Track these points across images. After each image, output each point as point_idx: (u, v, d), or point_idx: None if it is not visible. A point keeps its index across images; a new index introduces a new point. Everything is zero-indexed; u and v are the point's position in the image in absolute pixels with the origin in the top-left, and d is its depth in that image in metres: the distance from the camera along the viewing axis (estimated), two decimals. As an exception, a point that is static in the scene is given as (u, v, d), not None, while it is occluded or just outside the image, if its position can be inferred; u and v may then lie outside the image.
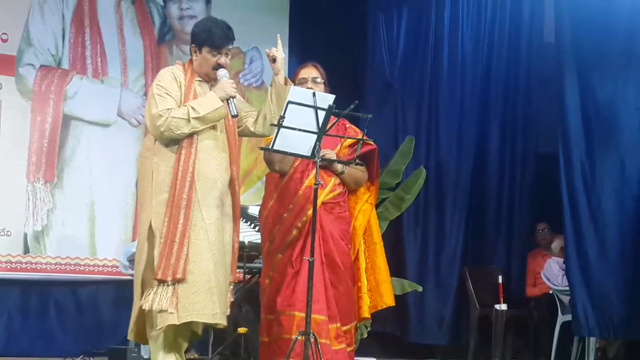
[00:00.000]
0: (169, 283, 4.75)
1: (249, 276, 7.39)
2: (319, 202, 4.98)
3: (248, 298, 7.16)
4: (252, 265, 7.46)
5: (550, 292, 8.44)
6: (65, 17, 8.51)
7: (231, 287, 5.00)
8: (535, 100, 9.30)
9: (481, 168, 9.39)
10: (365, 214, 5.27)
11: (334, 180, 5.17)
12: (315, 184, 4.80)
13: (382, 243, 5.38)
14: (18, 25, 8.30)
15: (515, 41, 9.38)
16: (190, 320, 4.78)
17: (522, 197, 9.43)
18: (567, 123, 7.86)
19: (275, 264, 5.10)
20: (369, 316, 5.26)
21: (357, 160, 5.07)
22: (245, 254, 6.92)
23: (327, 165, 5.11)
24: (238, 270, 5.25)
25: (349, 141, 5.21)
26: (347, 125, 5.30)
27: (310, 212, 4.96)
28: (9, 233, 8.11)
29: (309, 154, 4.82)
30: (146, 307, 4.74)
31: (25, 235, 8.17)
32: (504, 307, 8.78)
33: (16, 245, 8.13)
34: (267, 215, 5.21)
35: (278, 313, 4.93)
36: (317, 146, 4.80)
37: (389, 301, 5.29)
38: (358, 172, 5.24)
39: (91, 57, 8.60)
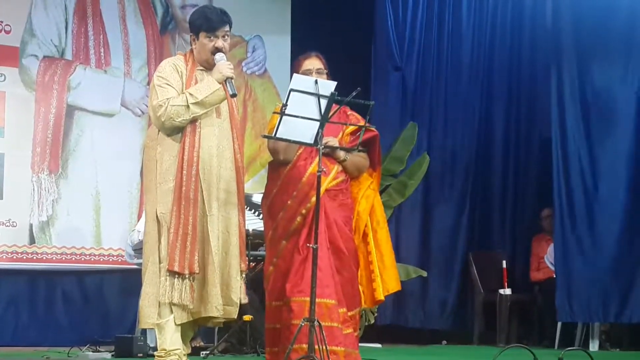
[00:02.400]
0: (186, 276, 4.79)
1: (253, 264, 7.42)
2: (322, 189, 5.01)
3: (253, 286, 7.18)
4: (257, 252, 7.48)
5: (554, 276, 8.47)
6: (67, 7, 8.52)
7: (243, 275, 5.02)
8: (539, 85, 9.31)
9: (485, 153, 9.42)
10: (368, 199, 5.28)
11: (336, 168, 5.17)
12: (318, 172, 4.82)
13: (387, 229, 5.39)
14: (21, 16, 8.32)
15: (518, 26, 9.41)
16: (204, 315, 4.82)
17: (526, 182, 9.46)
18: (564, 109, 7.91)
19: (279, 251, 5.12)
20: (383, 299, 5.26)
21: (359, 147, 5.08)
22: (249, 241, 6.94)
23: (329, 153, 5.13)
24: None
25: (351, 128, 5.21)
26: (349, 113, 5.31)
27: (314, 199, 4.98)
28: (15, 224, 8.14)
29: (312, 142, 4.84)
30: (164, 299, 4.77)
31: (31, 225, 8.20)
32: (508, 291, 8.82)
33: (22, 236, 8.17)
34: (271, 203, 5.23)
35: (288, 299, 4.93)
36: (320, 134, 4.81)
37: (392, 287, 5.31)
38: (360, 159, 5.25)
39: (94, 47, 8.62)
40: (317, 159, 4.95)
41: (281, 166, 5.18)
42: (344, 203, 5.17)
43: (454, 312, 9.24)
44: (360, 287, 5.23)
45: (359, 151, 5.14)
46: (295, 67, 5.32)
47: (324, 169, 4.89)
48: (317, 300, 4.80)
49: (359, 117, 5.30)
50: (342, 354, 4.91)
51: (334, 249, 5.06)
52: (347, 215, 5.18)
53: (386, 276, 5.25)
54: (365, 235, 5.26)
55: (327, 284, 4.95)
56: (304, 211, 5.06)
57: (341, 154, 5.15)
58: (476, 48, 9.45)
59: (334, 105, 4.87)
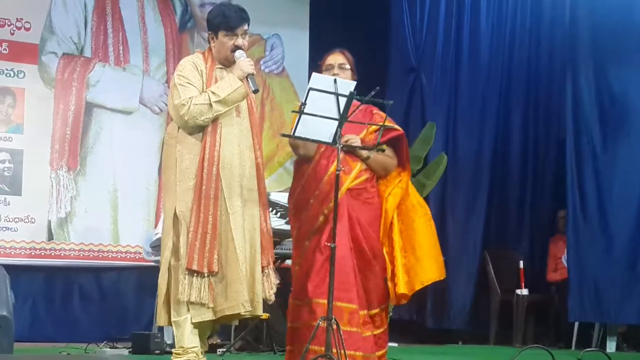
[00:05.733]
0: (205, 275, 4.80)
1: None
2: (344, 188, 5.00)
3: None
4: (274, 251, 7.47)
5: (571, 277, 8.44)
6: (87, 5, 8.56)
7: (267, 271, 5.02)
8: (557, 85, 9.28)
9: (503, 154, 9.40)
10: (395, 197, 5.22)
11: (359, 166, 5.14)
12: (337, 170, 4.81)
13: (425, 219, 5.30)
14: (41, 13, 8.37)
15: (536, 27, 9.38)
16: (229, 313, 4.84)
17: (543, 183, 9.44)
18: (579, 110, 7.90)
19: (303, 251, 5.10)
20: (406, 292, 5.21)
21: (379, 146, 5.06)
22: (267, 240, 6.94)
23: (352, 151, 5.11)
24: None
25: (375, 127, 5.19)
26: (374, 112, 5.27)
27: None
28: (33, 220, 8.19)
29: (330, 140, 4.84)
30: (183, 298, 4.78)
31: (49, 222, 8.24)
32: (525, 292, 8.80)
33: (40, 232, 8.21)
34: (295, 202, 5.22)
35: (309, 300, 4.92)
36: (338, 132, 4.81)
37: (434, 275, 5.24)
38: (385, 157, 5.21)
39: (113, 45, 8.65)
40: (339, 157, 4.96)
41: (304, 164, 5.17)
42: (368, 202, 5.13)
43: (470, 312, 9.22)
44: (390, 283, 5.20)
45: (379, 150, 5.11)
46: (320, 65, 5.30)
47: (343, 168, 4.88)
48: (338, 304, 4.81)
49: (385, 116, 5.27)
50: (359, 359, 4.91)
51: (356, 249, 5.04)
52: (373, 214, 5.14)
53: (425, 265, 5.20)
54: (390, 232, 5.23)
55: (348, 288, 4.94)
56: (326, 211, 5.04)
57: (364, 152, 5.13)
58: (494, 48, 9.42)
59: (356, 103, 4.87)
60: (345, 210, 5.01)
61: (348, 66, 5.24)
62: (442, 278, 5.34)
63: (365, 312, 5.03)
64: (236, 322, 5.27)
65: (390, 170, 5.24)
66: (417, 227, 5.24)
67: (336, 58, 5.26)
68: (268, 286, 5.02)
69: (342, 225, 4.97)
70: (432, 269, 5.23)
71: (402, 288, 5.15)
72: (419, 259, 5.19)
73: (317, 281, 4.92)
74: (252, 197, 4.95)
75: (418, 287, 5.22)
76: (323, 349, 4.71)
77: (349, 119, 4.85)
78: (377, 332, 5.10)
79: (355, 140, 5.07)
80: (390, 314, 8.05)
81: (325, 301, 4.84)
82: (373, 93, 4.89)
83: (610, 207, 7.83)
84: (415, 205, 5.28)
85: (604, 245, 7.83)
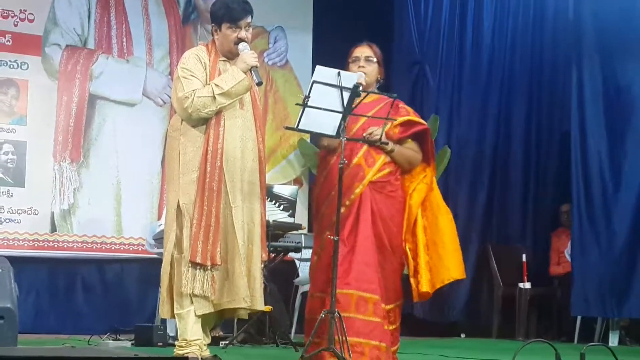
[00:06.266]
0: (208, 267, 4.81)
1: (273, 255, 7.43)
2: (366, 181, 5.02)
3: (273, 277, 7.20)
4: (277, 243, 7.49)
5: (574, 270, 8.44)
6: (91, -3, 8.56)
7: (262, 265, 5.04)
8: (560, 79, 9.27)
9: (506, 147, 9.39)
10: (420, 192, 5.20)
11: (382, 159, 5.11)
12: (340, 164, 4.81)
13: (447, 216, 5.30)
14: (44, 5, 8.36)
15: (540, 21, 9.36)
16: (230, 307, 4.84)
17: (546, 176, 9.43)
18: (584, 105, 7.88)
19: (323, 242, 5.09)
20: (429, 290, 5.20)
21: (382, 142, 5.04)
22: (270, 232, 6.95)
23: (375, 143, 5.09)
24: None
25: (400, 120, 5.18)
26: (400, 105, 5.26)
27: (357, 190, 5.00)
28: (36, 212, 8.19)
29: (334, 133, 4.84)
30: (186, 290, 4.79)
31: (52, 213, 8.25)
32: (527, 285, 8.80)
33: (43, 224, 8.22)
34: (317, 194, 5.23)
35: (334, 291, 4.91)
36: (342, 125, 4.81)
37: (455, 274, 5.23)
38: (410, 151, 5.18)
39: (116, 36, 8.64)
40: (362, 150, 4.97)
41: (328, 156, 5.16)
42: (391, 195, 5.11)
43: (473, 306, 9.22)
44: (412, 280, 5.20)
45: (382, 144, 5.09)
46: (347, 58, 5.29)
47: (345, 161, 4.88)
48: (363, 294, 4.82)
49: (410, 110, 5.26)
50: (383, 349, 4.92)
51: (378, 243, 5.03)
52: (395, 208, 5.12)
53: (447, 263, 5.18)
54: (414, 228, 5.21)
55: (371, 279, 4.94)
56: (347, 202, 5.04)
57: (388, 146, 5.12)
58: (497, 41, 9.41)
59: (383, 98, 4.89)
60: (369, 203, 5.02)
61: (375, 59, 5.24)
62: (463, 277, 5.35)
63: (384, 305, 5.03)
64: (246, 316, 5.23)
65: (415, 164, 5.22)
66: (441, 224, 5.23)
67: (363, 50, 5.27)
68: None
69: (365, 218, 4.98)
70: (454, 267, 5.23)
71: (425, 286, 5.15)
72: (441, 257, 5.18)
73: (340, 272, 4.90)
74: (253, 191, 4.95)
75: (439, 285, 5.22)
76: (352, 339, 4.73)
77: (369, 113, 4.87)
78: (391, 327, 5.10)
79: (377, 132, 5.05)
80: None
81: (349, 291, 4.86)
82: (377, 85, 4.92)
83: (614, 201, 7.83)
84: (440, 204, 5.28)
85: (608, 239, 7.82)
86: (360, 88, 4.84)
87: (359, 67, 5.17)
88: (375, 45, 5.32)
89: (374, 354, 4.85)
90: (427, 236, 5.20)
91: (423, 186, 5.23)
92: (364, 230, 4.97)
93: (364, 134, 5.06)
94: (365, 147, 5.06)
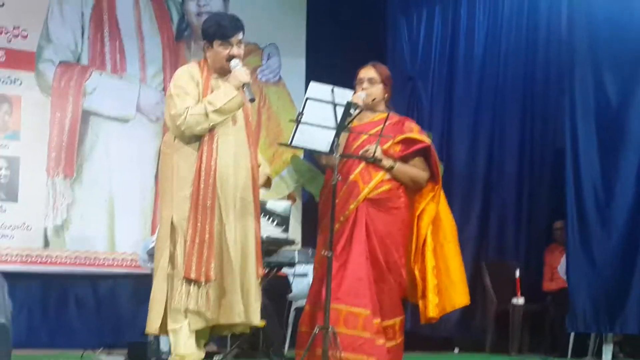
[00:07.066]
0: (202, 284, 4.81)
1: (266, 270, 7.42)
2: (361, 197, 5.05)
3: (267, 292, 7.19)
4: (270, 259, 7.49)
5: (567, 286, 8.44)
6: (84, 13, 8.57)
7: (259, 280, 5.04)
8: (553, 95, 9.29)
9: (499, 163, 9.40)
10: (429, 213, 5.19)
11: (380, 176, 5.13)
12: (333, 180, 4.84)
13: (455, 243, 5.31)
14: (38, 22, 8.38)
15: (532, 36, 9.37)
16: (225, 323, 4.84)
17: (540, 193, 9.44)
18: (576, 121, 7.91)
19: (320, 257, 5.12)
20: (436, 316, 5.19)
21: (375, 156, 5.06)
22: (264, 248, 6.95)
23: (374, 161, 5.10)
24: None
25: (400, 137, 5.19)
26: (406, 123, 5.28)
27: (352, 206, 5.02)
28: (29, 227, 8.18)
29: (328, 150, 4.85)
30: (180, 306, 4.79)
31: (45, 229, 8.24)
32: (521, 301, 8.81)
33: (36, 239, 8.21)
34: (319, 211, 5.26)
35: (323, 305, 4.93)
36: (336, 142, 4.82)
37: (462, 301, 5.24)
38: (413, 169, 5.17)
39: (110, 53, 8.65)
40: (360, 167, 4.99)
41: (330, 174, 5.17)
42: (392, 212, 5.12)
43: (467, 320, 9.21)
44: (421, 302, 5.19)
45: (373, 160, 5.10)
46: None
47: (339, 177, 4.90)
48: (352, 309, 4.84)
49: (416, 128, 5.27)
50: None
51: (372, 259, 5.05)
52: (394, 226, 5.12)
53: (452, 291, 5.19)
54: (423, 249, 5.21)
55: (363, 293, 4.95)
56: (342, 218, 5.07)
57: (385, 163, 5.12)
58: (490, 57, 9.43)
59: (392, 116, 4.92)
60: (363, 219, 5.04)
61: (379, 79, 5.25)
62: (468, 304, 5.35)
63: (379, 321, 5.03)
64: (247, 330, 5.22)
65: (419, 182, 5.20)
66: (451, 250, 5.24)
67: (367, 72, 5.28)
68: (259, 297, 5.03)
69: (359, 234, 5.00)
70: (463, 292, 5.23)
71: (432, 312, 5.15)
72: (453, 282, 5.18)
73: (332, 287, 4.92)
74: (246, 207, 4.95)
75: (449, 309, 5.22)
76: (340, 354, 4.74)
77: (372, 131, 4.89)
78: (389, 344, 5.09)
79: (378, 151, 5.07)
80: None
81: (338, 306, 4.87)
82: (370, 103, 4.94)
83: (608, 217, 7.84)
84: (450, 228, 5.28)
85: (603, 256, 7.83)
86: (357, 109, 4.87)
87: (362, 89, 5.20)
88: (380, 64, 5.34)
89: None
90: (436, 259, 5.20)
91: (433, 206, 5.22)
92: (357, 246, 4.99)
93: (360, 151, 5.09)
94: (362, 164, 5.09)
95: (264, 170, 5.17)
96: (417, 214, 5.20)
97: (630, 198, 7.75)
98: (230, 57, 4.96)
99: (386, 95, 5.29)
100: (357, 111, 4.94)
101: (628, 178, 7.77)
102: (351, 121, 4.90)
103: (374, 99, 5.24)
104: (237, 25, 5.00)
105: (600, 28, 7.85)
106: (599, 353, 8.08)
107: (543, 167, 9.44)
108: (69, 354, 7.16)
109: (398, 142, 5.17)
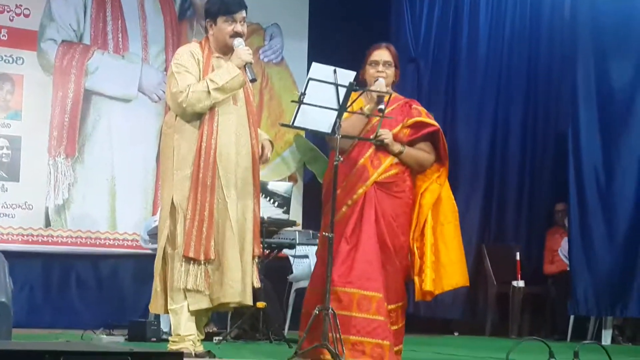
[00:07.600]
0: (202, 262, 4.81)
1: (267, 251, 7.43)
2: (370, 181, 5.04)
3: (267, 273, 7.20)
4: (271, 240, 7.50)
5: (568, 269, 8.46)
6: (86, -8, 8.55)
7: (256, 260, 5.04)
8: (556, 79, 9.28)
9: (501, 147, 9.40)
10: (432, 193, 5.20)
11: (389, 161, 5.12)
12: (335, 161, 4.83)
13: (456, 224, 5.31)
14: (40, 0, 8.35)
15: (536, 21, 9.37)
16: (220, 302, 4.85)
17: (541, 176, 9.45)
18: (579, 105, 7.91)
19: (323, 239, 5.10)
20: (432, 289, 5.19)
21: (377, 138, 5.05)
22: (264, 229, 6.96)
23: (383, 146, 5.10)
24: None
25: (410, 121, 5.19)
26: (413, 106, 5.27)
27: (360, 190, 5.02)
28: (31, 206, 8.19)
29: (329, 131, 4.85)
30: (180, 285, 4.80)
31: (47, 208, 8.25)
32: (521, 284, 8.82)
33: (37, 219, 8.22)
34: (325, 192, 5.25)
35: (334, 289, 4.89)
36: (337, 123, 4.82)
37: (460, 280, 5.25)
38: (420, 152, 5.17)
39: (112, 32, 8.64)
40: (370, 151, 4.99)
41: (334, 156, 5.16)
42: (396, 196, 5.11)
43: (467, 303, 9.23)
44: (417, 278, 5.20)
45: (377, 142, 5.10)
46: (364, 59, 5.27)
47: (341, 159, 4.89)
48: (365, 292, 4.84)
49: (423, 111, 5.26)
50: (387, 347, 4.92)
51: (380, 243, 5.04)
52: (400, 209, 5.12)
53: (451, 270, 5.19)
54: (423, 228, 5.21)
55: (375, 277, 4.95)
56: (349, 202, 5.07)
57: (395, 147, 5.12)
58: (493, 41, 9.42)
59: (397, 98, 4.89)
60: (373, 202, 5.03)
61: (393, 62, 5.23)
62: (467, 285, 5.35)
63: (386, 304, 5.03)
64: (232, 310, 5.25)
65: (425, 165, 5.21)
66: (450, 230, 5.24)
67: (382, 54, 5.23)
68: (256, 275, 5.03)
69: (369, 217, 5.00)
70: (461, 273, 5.24)
71: (429, 285, 5.14)
72: (452, 261, 5.18)
73: (342, 270, 4.93)
74: (246, 187, 4.96)
75: (447, 288, 5.22)
76: (350, 337, 4.75)
77: (385, 114, 4.90)
78: (393, 328, 5.10)
79: (387, 135, 5.07)
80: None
81: (353, 290, 4.87)
82: (374, 84, 4.94)
83: (611, 201, 7.84)
84: (451, 209, 5.28)
85: (605, 239, 7.83)
86: (385, 98, 4.89)
87: (378, 72, 5.16)
88: (392, 46, 5.31)
89: (376, 352, 4.87)
90: (435, 237, 5.20)
91: (436, 187, 5.23)
92: (367, 229, 4.99)
93: (372, 136, 5.08)
94: (372, 148, 5.08)
95: (263, 135, 5.17)
96: (420, 192, 5.20)
97: (632, 182, 7.76)
98: (234, 34, 4.95)
99: (395, 78, 5.28)
100: (387, 97, 4.94)
101: (630, 162, 7.78)
102: (384, 111, 4.92)
103: (392, 81, 5.24)
104: (241, 2, 5.00)
105: (603, 12, 7.84)
106: (598, 336, 8.10)
107: (545, 150, 9.44)
108: (70, 334, 7.16)
109: (407, 126, 5.17)
